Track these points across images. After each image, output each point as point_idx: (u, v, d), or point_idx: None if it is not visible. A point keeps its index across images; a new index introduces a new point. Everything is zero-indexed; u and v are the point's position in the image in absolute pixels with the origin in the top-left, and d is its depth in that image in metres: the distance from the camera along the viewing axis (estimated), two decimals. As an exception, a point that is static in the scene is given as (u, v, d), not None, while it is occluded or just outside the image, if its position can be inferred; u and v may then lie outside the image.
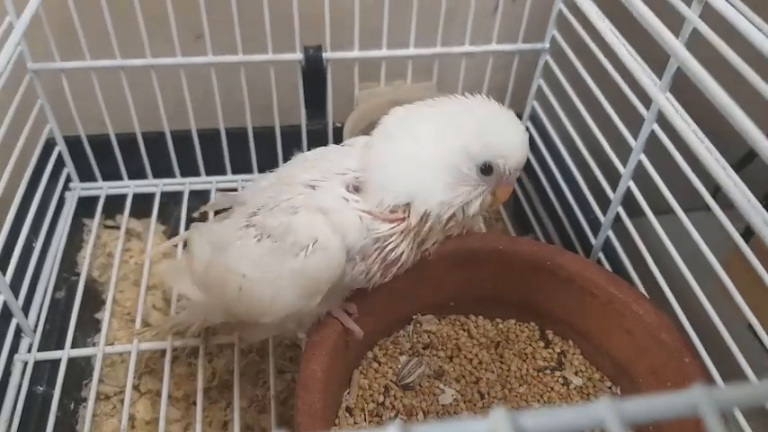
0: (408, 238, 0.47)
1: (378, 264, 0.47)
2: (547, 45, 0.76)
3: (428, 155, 0.46)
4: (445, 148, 0.45)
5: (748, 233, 0.52)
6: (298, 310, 0.46)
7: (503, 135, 0.46)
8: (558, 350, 0.57)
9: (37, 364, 0.62)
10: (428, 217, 0.46)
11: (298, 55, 0.73)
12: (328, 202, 0.46)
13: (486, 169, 0.46)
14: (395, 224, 0.46)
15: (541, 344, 0.57)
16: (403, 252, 0.47)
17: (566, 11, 0.71)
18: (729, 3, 0.45)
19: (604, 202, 0.64)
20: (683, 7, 0.46)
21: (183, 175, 0.81)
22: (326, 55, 0.73)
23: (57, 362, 0.63)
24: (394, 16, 0.71)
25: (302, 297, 0.46)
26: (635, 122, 0.59)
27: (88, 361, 0.69)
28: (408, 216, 0.46)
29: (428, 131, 0.46)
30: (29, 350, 0.62)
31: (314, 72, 0.75)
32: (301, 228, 0.45)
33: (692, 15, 0.45)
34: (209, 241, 0.51)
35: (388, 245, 0.46)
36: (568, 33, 0.72)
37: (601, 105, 0.65)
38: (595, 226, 0.66)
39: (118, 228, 0.82)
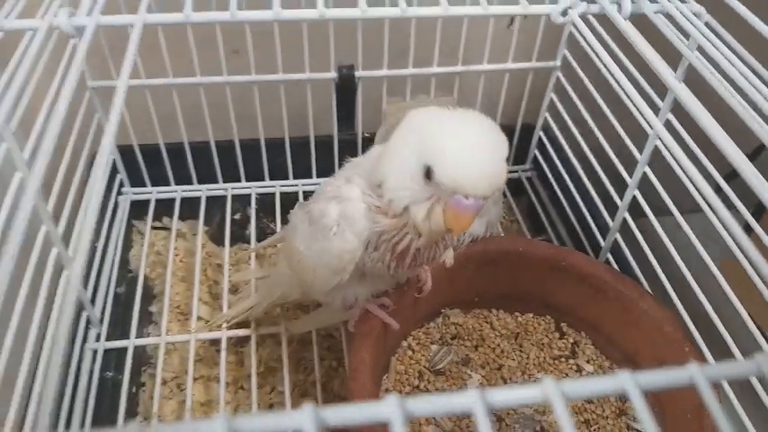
0: (410, 234, 0.49)
1: (389, 254, 0.50)
2: (558, 63, 0.84)
3: (400, 144, 0.47)
4: (412, 142, 0.45)
5: (747, 229, 0.59)
6: (334, 283, 0.53)
7: (446, 144, 0.43)
8: (571, 341, 0.64)
9: (104, 352, 0.69)
10: (398, 209, 0.47)
11: (333, 74, 0.80)
12: (349, 194, 0.51)
13: (427, 173, 0.44)
14: (395, 219, 0.48)
15: (556, 335, 0.65)
16: (410, 246, 0.49)
17: (576, 34, 0.78)
18: (723, 41, 0.53)
19: (612, 206, 0.71)
20: (680, 45, 0.53)
21: (225, 180, 0.88)
22: (358, 73, 0.80)
23: (121, 350, 0.70)
24: (420, 38, 0.78)
25: (332, 272, 0.52)
26: (641, 131, 0.66)
27: (144, 349, 0.77)
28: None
29: (412, 128, 0.47)
30: (97, 339, 0.70)
31: (346, 89, 0.82)
32: (328, 213, 0.51)
33: (687, 52, 0.52)
34: (291, 222, 0.60)
35: (393, 237, 0.49)
36: (579, 51, 0.79)
37: (608, 118, 0.73)
38: (604, 229, 0.73)
39: (164, 229, 0.90)
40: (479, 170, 0.43)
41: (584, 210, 0.78)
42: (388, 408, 0.23)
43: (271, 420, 0.23)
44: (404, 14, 0.53)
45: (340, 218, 0.50)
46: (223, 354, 0.70)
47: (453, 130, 0.44)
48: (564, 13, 0.55)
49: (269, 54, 0.77)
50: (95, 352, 0.69)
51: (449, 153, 0.43)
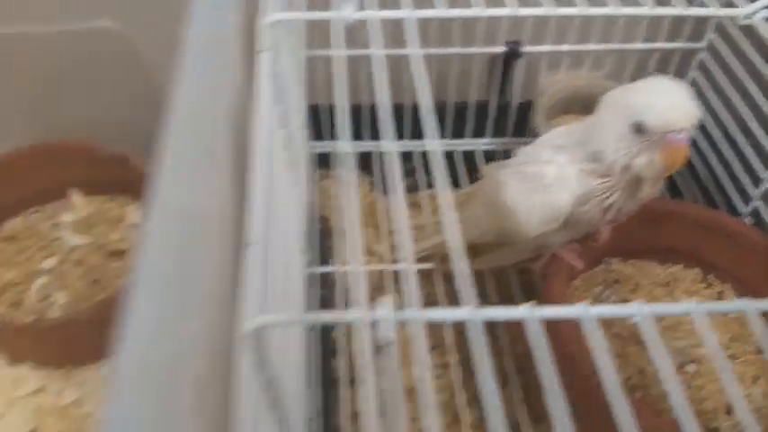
0: (618, 192, 0.62)
1: (595, 209, 0.64)
2: (704, 45, 0.92)
3: (606, 117, 0.60)
4: (615, 111, 0.59)
5: None
6: (545, 230, 0.66)
7: (649, 97, 0.56)
8: (717, 290, 0.76)
9: (318, 275, 0.86)
10: (619, 169, 0.60)
11: (502, 48, 0.91)
12: (564, 160, 0.64)
13: (637, 128, 0.57)
14: (603, 180, 0.62)
15: (703, 285, 0.77)
16: (614, 202, 0.63)
17: (726, 21, 0.86)
18: None
19: (753, 174, 0.81)
20: None
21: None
22: (523, 49, 0.91)
23: (326, 274, 0.87)
24: (582, 21, 0.88)
25: (547, 221, 0.65)
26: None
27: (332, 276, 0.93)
28: (611, 174, 0.62)
29: (611, 102, 0.61)
30: (308, 265, 0.86)
31: (510, 61, 0.93)
32: (547, 174, 0.65)
33: None
34: (497, 178, 0.72)
35: (601, 194, 0.63)
36: (725, 33, 0.87)
37: (752, 97, 0.82)
38: (745, 196, 0.83)
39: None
40: (680, 104, 0.56)
41: (727, 180, 0.88)
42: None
43: (445, 312, 0.38)
44: (615, 12, 0.64)
45: (557, 178, 0.63)
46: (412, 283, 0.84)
47: (650, 87, 0.58)
48: (748, 17, 0.64)
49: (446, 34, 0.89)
50: (311, 275, 0.85)
51: (654, 101, 0.56)
